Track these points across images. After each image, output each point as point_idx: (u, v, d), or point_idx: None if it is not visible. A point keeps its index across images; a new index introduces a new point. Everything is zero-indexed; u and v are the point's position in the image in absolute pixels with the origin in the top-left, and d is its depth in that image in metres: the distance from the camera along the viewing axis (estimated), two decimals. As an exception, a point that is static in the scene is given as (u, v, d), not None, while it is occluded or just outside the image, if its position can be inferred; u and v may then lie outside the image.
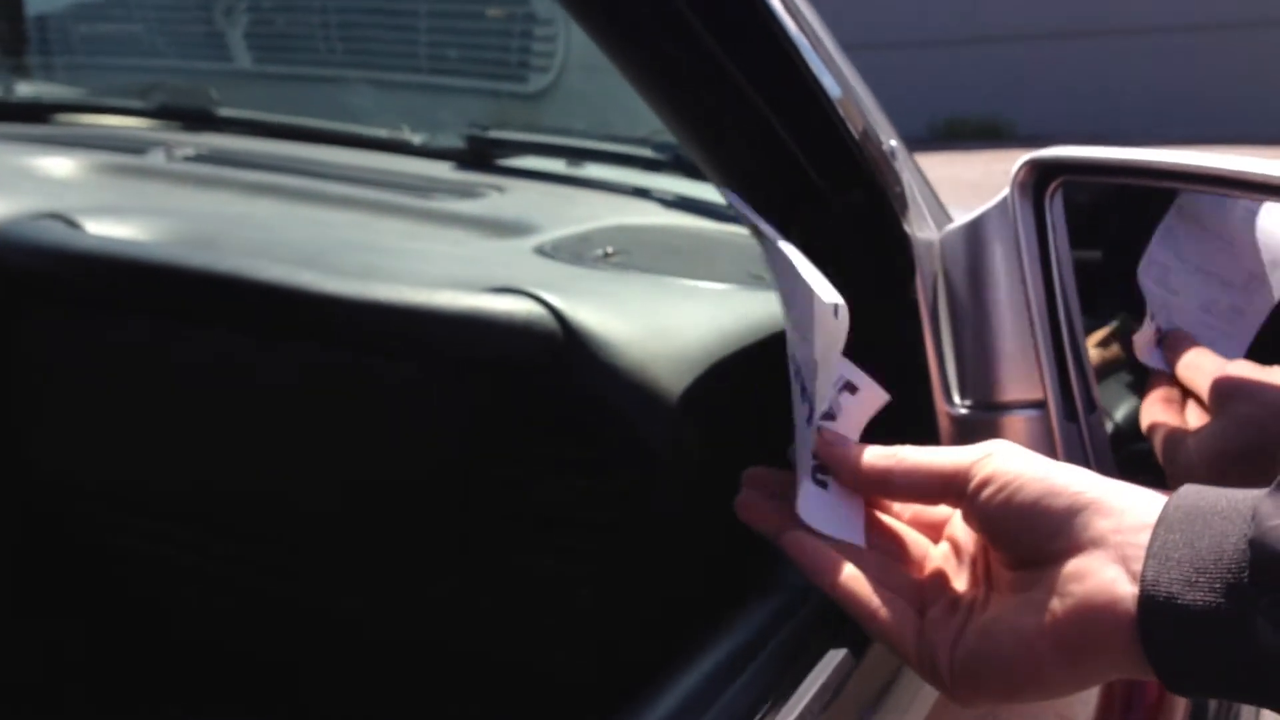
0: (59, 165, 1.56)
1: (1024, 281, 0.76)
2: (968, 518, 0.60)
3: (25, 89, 2.10)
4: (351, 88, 1.77)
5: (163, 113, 1.89)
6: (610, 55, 0.70)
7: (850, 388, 0.64)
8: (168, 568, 1.22)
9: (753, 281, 1.06)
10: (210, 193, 1.54)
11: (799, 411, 0.67)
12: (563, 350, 0.90)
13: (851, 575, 0.60)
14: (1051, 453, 0.75)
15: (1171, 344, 0.80)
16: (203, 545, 1.14)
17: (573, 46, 1.72)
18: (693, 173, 1.45)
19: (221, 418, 1.08)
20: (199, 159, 1.68)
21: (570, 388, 0.89)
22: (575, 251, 1.17)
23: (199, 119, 1.86)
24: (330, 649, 1.17)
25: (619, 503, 0.88)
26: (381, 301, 0.92)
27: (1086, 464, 0.75)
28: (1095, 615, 0.52)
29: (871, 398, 0.64)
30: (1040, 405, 0.77)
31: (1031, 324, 0.76)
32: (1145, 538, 0.52)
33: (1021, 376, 0.77)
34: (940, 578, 0.62)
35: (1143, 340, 0.81)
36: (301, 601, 1.11)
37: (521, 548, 0.94)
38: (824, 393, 0.63)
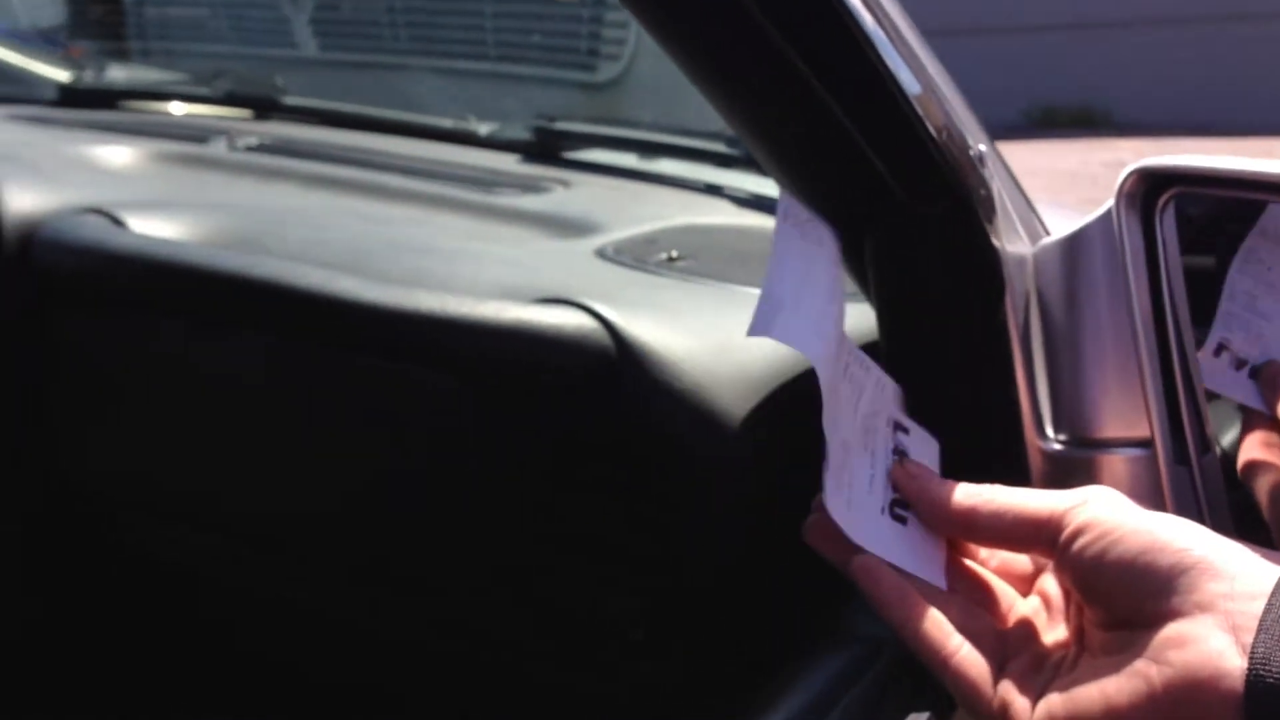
0: (118, 154, 1.53)
1: (1130, 304, 0.67)
2: (1059, 569, 0.54)
3: (93, 75, 2.08)
4: (417, 76, 1.71)
5: (229, 100, 1.85)
6: (666, 48, 0.63)
7: (901, 428, 0.58)
8: (199, 575, 1.18)
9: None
10: (267, 184, 1.49)
11: (855, 438, 0.60)
12: (615, 367, 0.83)
13: (926, 614, 0.55)
14: (1158, 500, 0.67)
15: (1269, 380, 0.71)
16: (233, 552, 1.09)
17: (644, 35, 1.64)
18: (768, 169, 1.37)
19: (256, 423, 1.03)
20: (261, 148, 1.64)
21: (621, 407, 0.82)
22: (638, 255, 1.10)
23: (264, 106, 1.82)
24: (360, 662, 1.12)
25: (671, 534, 0.80)
26: (422, 312, 0.86)
27: (1198, 515, 0.66)
28: (1196, 689, 0.46)
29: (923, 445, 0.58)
30: (1146, 444, 0.68)
31: (1137, 352, 0.67)
32: (1259, 607, 0.46)
33: (1125, 411, 0.68)
34: (1026, 629, 0.56)
35: (1214, 368, 0.71)
36: (330, 614, 1.05)
37: (564, 576, 0.87)
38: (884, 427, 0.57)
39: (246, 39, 1.87)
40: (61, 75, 2.09)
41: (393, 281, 0.96)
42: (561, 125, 1.60)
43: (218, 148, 1.64)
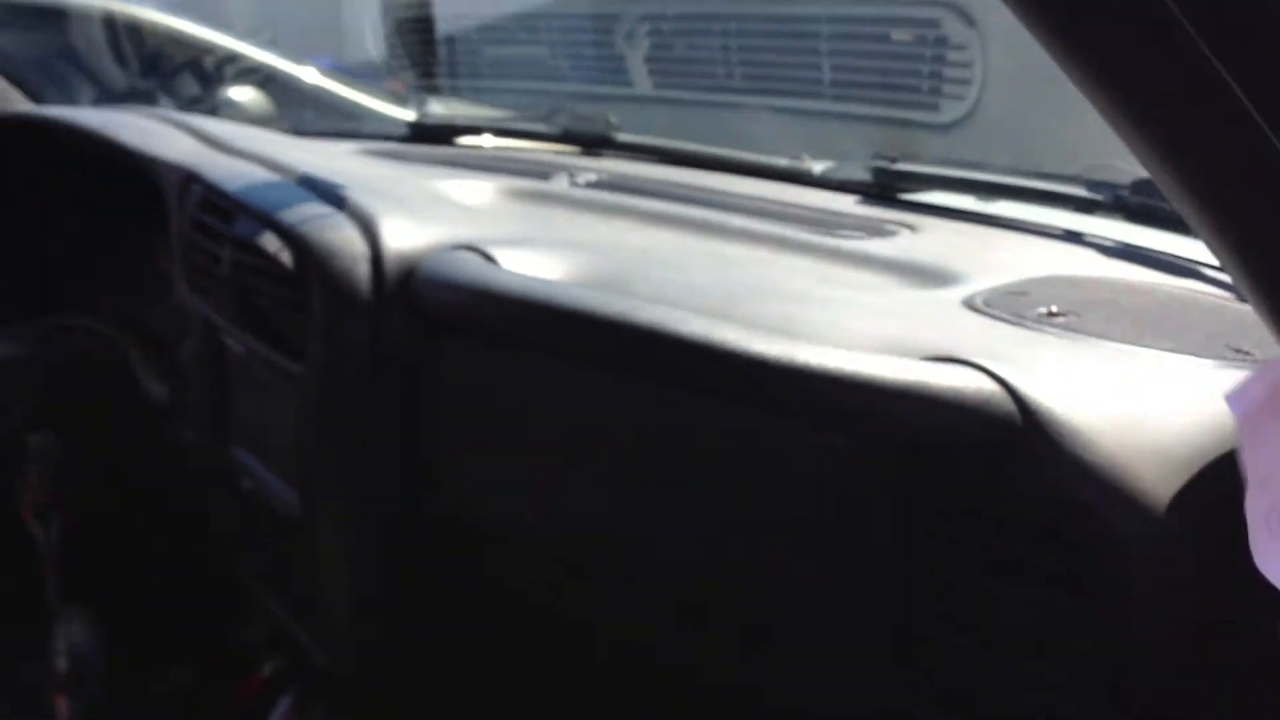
0: (471, 189, 1.59)
1: None
2: None
3: (436, 111, 2.19)
4: (749, 113, 1.71)
5: (564, 136, 1.90)
6: (1068, 68, 0.56)
7: None
8: (553, 609, 1.20)
9: (1235, 358, 0.90)
10: (612, 220, 1.52)
11: None
12: (1018, 435, 0.79)
13: None
14: None
15: None
16: (597, 597, 1.10)
17: (990, 73, 1.59)
18: (1138, 216, 1.29)
19: (627, 466, 1.04)
20: (600, 184, 1.68)
21: (1028, 479, 0.78)
22: (1012, 309, 1.05)
23: (599, 143, 1.86)
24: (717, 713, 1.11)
25: (1094, 627, 0.75)
26: (813, 368, 0.84)
27: None
28: None
29: None
30: None
31: None
32: None
33: None
34: None
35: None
36: (701, 674, 1.04)
37: (971, 667, 0.83)
38: None
39: (581, 76, 1.92)
40: (400, 112, 2.21)
41: (765, 329, 0.95)
42: (903, 165, 1.56)
43: (560, 184, 1.68)
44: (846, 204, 1.58)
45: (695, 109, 1.83)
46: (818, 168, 1.68)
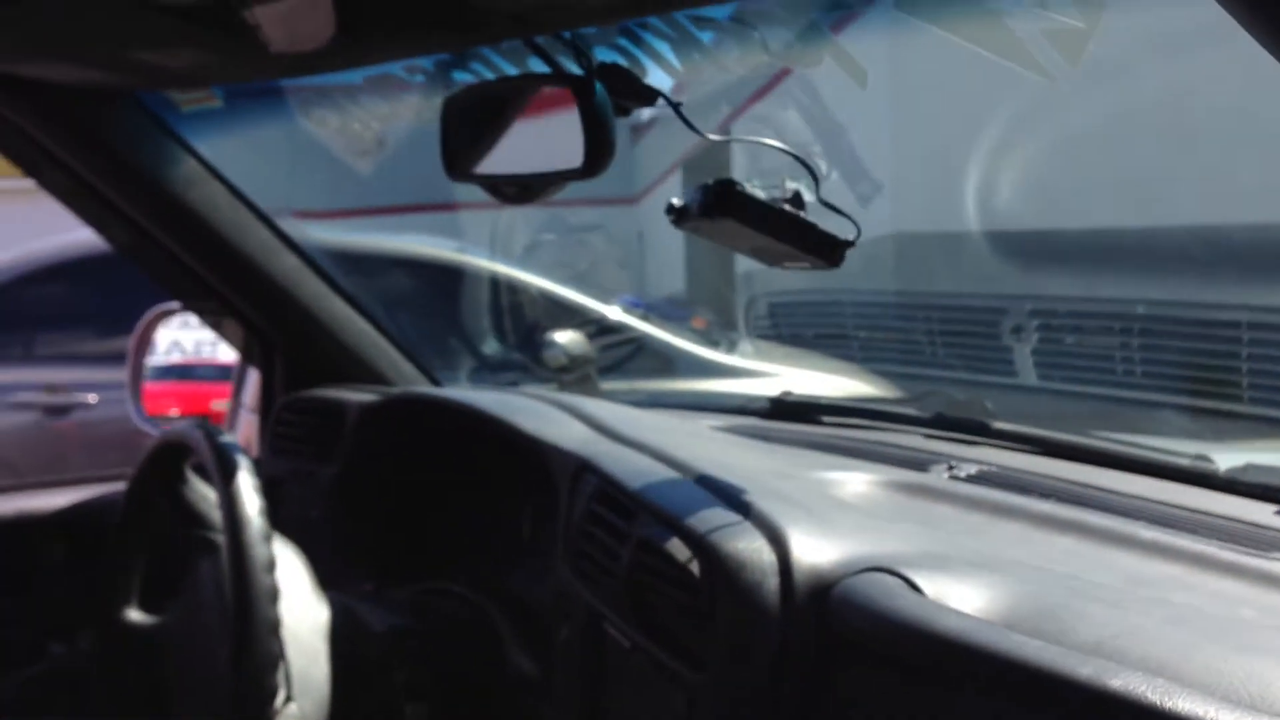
0: (853, 482, 1.56)
1: None
2: None
3: (746, 351, 2.21)
4: (1142, 408, 1.63)
5: (936, 422, 1.86)
6: None
7: None
8: None
9: None
10: (1004, 524, 1.45)
11: None
12: None
13: None
14: None
15: None
16: None
17: None
18: None
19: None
20: (981, 479, 1.62)
21: None
22: None
23: (973, 431, 1.81)
24: None
25: None
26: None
27: None
28: None
29: None
30: None
31: None
32: None
33: None
34: None
35: None
36: None
37: None
38: None
39: (962, 364, 1.89)
40: (709, 352, 2.25)
41: (1244, 702, 0.86)
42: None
43: (939, 476, 1.64)
44: (1264, 514, 1.45)
45: (1077, 400, 1.76)
46: (1224, 468, 1.56)
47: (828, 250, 1.28)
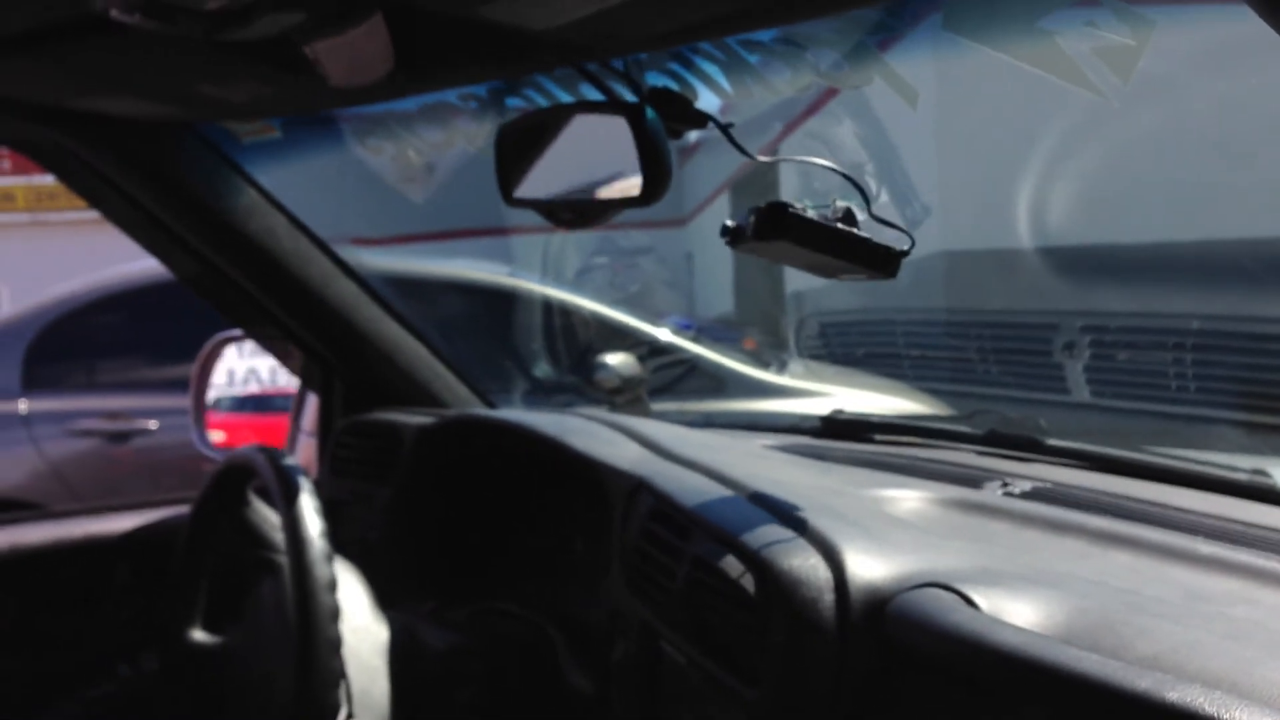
0: (907, 499, 1.57)
1: None
2: None
3: (796, 370, 2.21)
4: (1198, 424, 1.62)
5: (988, 439, 1.86)
6: None
7: None
8: None
9: None
10: (1060, 540, 1.45)
11: None
12: None
13: None
14: None
15: None
16: None
17: None
18: None
19: None
20: (1035, 495, 1.62)
21: None
22: None
23: (1025, 447, 1.81)
24: None
25: None
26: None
27: None
28: None
29: None
30: None
31: None
32: None
33: None
34: None
35: None
36: None
37: None
38: None
39: (1014, 381, 1.89)
40: (759, 372, 2.25)
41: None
42: (1391, 489, 1.42)
43: (993, 493, 1.63)
44: (1324, 529, 1.44)
45: (1132, 417, 1.75)
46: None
47: (882, 261, 1.30)
